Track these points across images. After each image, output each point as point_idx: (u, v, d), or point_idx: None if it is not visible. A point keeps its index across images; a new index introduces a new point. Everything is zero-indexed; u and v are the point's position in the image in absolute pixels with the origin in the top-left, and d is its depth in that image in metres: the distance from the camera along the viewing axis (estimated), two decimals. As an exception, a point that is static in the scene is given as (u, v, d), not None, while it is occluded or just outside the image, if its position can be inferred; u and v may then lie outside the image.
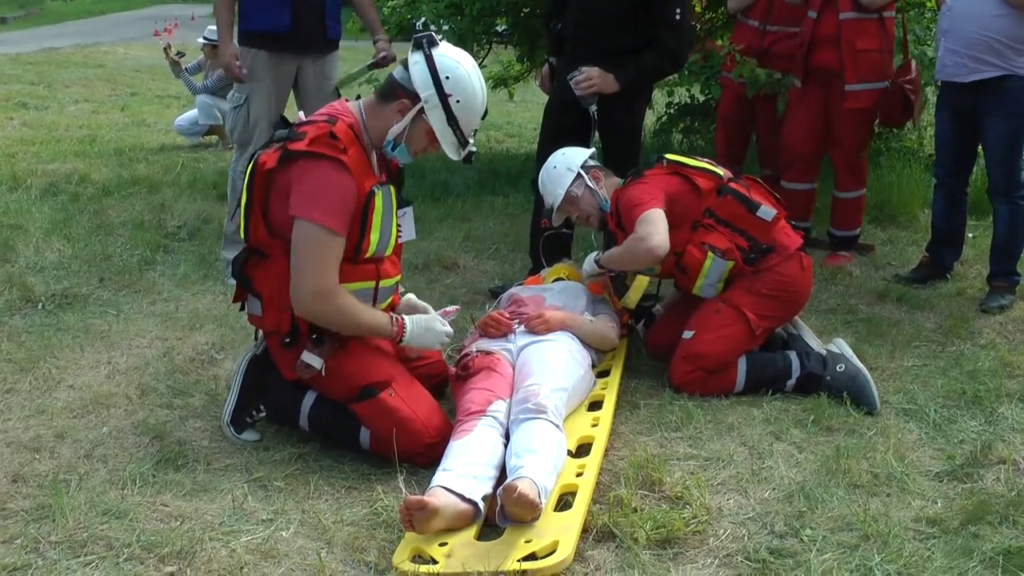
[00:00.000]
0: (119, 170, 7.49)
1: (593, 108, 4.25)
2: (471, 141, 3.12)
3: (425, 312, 3.31)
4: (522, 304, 3.73)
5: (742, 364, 3.60)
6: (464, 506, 2.59)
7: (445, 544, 2.51)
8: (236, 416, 3.17)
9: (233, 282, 3.29)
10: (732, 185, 3.73)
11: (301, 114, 3.20)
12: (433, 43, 3.03)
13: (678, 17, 4.23)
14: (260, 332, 3.23)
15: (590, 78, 4.19)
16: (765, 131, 5.84)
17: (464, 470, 2.70)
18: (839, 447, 3.15)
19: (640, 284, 3.96)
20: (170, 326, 4.17)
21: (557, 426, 2.92)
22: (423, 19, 6.89)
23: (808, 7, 5.29)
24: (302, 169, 2.91)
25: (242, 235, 3.12)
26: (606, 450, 3.10)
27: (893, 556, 2.53)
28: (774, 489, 2.91)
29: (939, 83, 4.92)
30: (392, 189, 3.12)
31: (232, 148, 5.46)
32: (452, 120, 3.04)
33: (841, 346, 3.67)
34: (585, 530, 2.62)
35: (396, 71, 3.09)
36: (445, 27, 6.75)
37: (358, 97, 3.18)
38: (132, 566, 2.46)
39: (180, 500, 2.77)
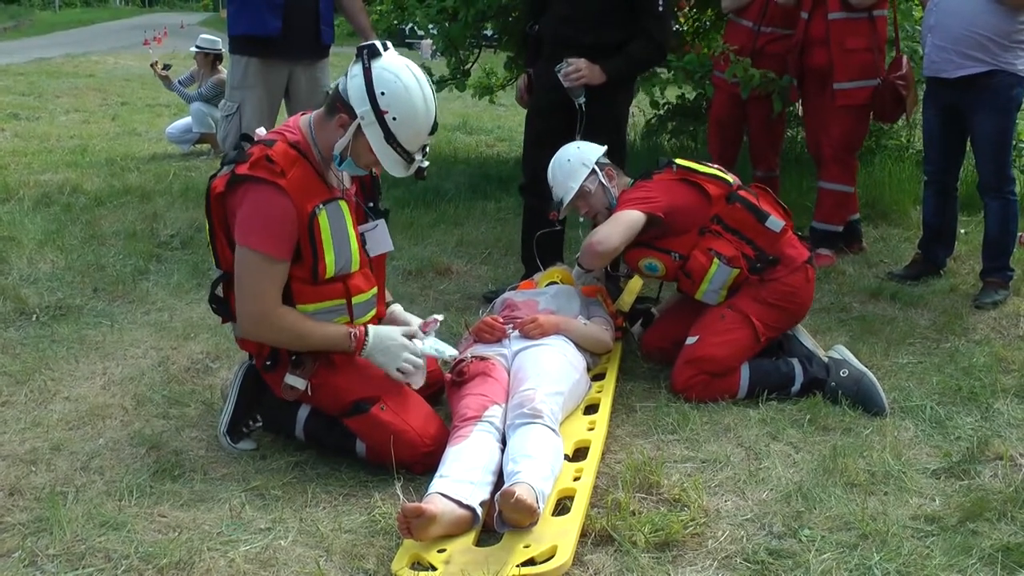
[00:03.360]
0: (111, 180, 7.48)
1: (581, 100, 4.24)
2: (418, 157, 2.97)
3: (407, 325, 3.24)
4: (516, 309, 3.73)
5: (745, 370, 3.59)
6: (462, 512, 2.59)
7: (444, 551, 2.50)
8: (233, 426, 3.16)
9: None
10: (741, 193, 3.72)
11: (261, 131, 3.15)
12: (375, 54, 2.89)
13: (661, 7, 4.26)
14: None
15: (579, 69, 4.18)
16: (757, 132, 5.86)
17: (461, 476, 2.69)
18: (836, 446, 3.16)
19: (634, 287, 3.96)
20: (165, 336, 4.16)
21: (554, 430, 2.92)
22: (410, 25, 6.90)
23: (800, 8, 5.34)
24: (242, 195, 2.88)
25: (213, 260, 3.11)
26: (603, 453, 3.10)
27: (892, 555, 2.53)
28: (772, 490, 2.91)
29: (926, 79, 4.94)
30: (344, 204, 3.00)
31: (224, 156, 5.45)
32: (390, 137, 2.88)
33: (842, 352, 3.67)
34: (583, 534, 2.62)
35: (340, 81, 2.97)
36: (434, 31, 6.75)
37: (303, 113, 3.14)
38: (130, 578, 2.46)
39: (178, 510, 2.76)
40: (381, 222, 3.23)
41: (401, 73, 2.90)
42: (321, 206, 2.92)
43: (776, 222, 3.69)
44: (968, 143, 4.91)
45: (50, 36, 27.04)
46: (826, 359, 3.63)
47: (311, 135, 3.00)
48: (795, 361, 3.63)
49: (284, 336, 2.96)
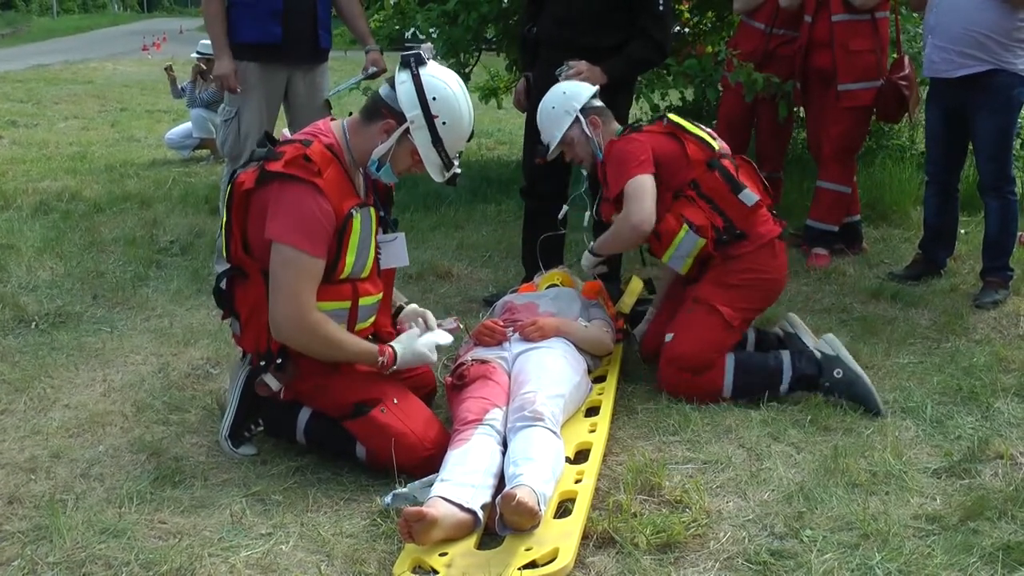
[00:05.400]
0: (110, 186, 7.50)
1: None
2: (455, 163, 3.10)
3: (424, 317, 3.32)
4: (516, 312, 3.72)
5: (729, 363, 3.58)
6: (463, 515, 2.59)
7: (445, 554, 2.50)
8: (234, 430, 3.16)
9: None
10: (723, 161, 3.68)
11: (286, 131, 3.18)
12: (421, 62, 3.00)
13: (661, 7, 4.26)
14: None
15: (580, 71, 4.17)
16: (765, 132, 5.86)
17: (462, 479, 2.69)
18: (837, 446, 3.16)
19: (635, 288, 3.96)
20: (165, 342, 4.16)
21: (555, 433, 2.92)
22: (412, 30, 6.89)
23: (803, 11, 5.34)
24: (277, 191, 2.88)
25: (224, 253, 3.11)
26: (604, 456, 3.09)
27: (893, 554, 2.52)
28: (773, 490, 2.91)
29: (928, 80, 4.95)
30: (373, 211, 3.07)
31: (224, 161, 5.46)
32: (437, 141, 3.01)
33: (833, 343, 3.63)
34: (585, 536, 2.61)
35: (382, 89, 3.06)
36: (434, 35, 6.74)
37: (350, 114, 3.17)
38: (131, 585, 2.45)
39: (178, 517, 2.76)
40: (401, 235, 3.28)
41: (449, 80, 3.04)
42: (357, 209, 2.97)
43: (750, 195, 3.64)
44: (970, 143, 4.91)
45: (48, 42, 27.10)
46: (819, 355, 3.60)
47: (345, 139, 3.04)
48: (785, 355, 3.61)
49: (317, 344, 2.96)
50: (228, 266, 3.10)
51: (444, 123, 2.99)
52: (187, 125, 9.27)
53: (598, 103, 3.92)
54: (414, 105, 2.97)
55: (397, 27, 7.16)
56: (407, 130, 2.99)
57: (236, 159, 4.81)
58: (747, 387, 3.57)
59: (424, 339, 3.19)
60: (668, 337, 3.65)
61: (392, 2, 7.25)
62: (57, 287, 4.86)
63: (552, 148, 3.91)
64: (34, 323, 4.36)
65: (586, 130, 3.83)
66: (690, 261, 3.69)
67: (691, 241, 3.63)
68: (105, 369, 3.87)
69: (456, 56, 7.02)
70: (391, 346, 3.11)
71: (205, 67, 8.95)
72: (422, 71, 2.99)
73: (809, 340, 3.72)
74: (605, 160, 3.77)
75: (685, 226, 3.62)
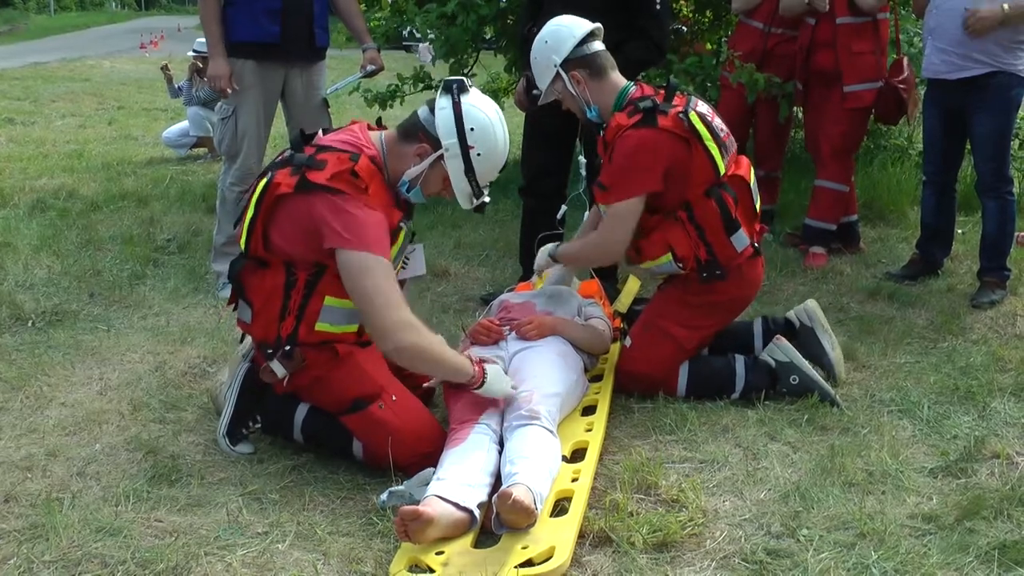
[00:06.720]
0: (107, 184, 7.48)
1: None
2: (485, 192, 3.11)
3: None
4: (513, 310, 3.72)
5: (683, 372, 3.58)
6: (459, 514, 2.59)
7: (442, 553, 2.50)
8: (232, 428, 3.16)
9: (225, 294, 3.24)
10: (723, 193, 3.48)
11: (320, 133, 3.13)
12: (463, 90, 3.01)
13: (659, 6, 4.25)
14: (247, 337, 3.20)
15: None
16: (766, 133, 5.86)
17: (458, 478, 2.69)
18: (833, 446, 3.16)
19: (631, 288, 3.96)
20: (161, 340, 4.16)
21: (551, 432, 2.92)
22: (409, 29, 6.87)
23: (806, 13, 5.35)
24: (330, 204, 2.85)
25: (242, 246, 3.08)
26: (601, 454, 3.09)
27: (890, 553, 2.53)
28: (770, 490, 2.91)
29: (926, 81, 4.95)
30: (409, 226, 3.11)
31: (221, 160, 5.45)
32: (470, 171, 3.02)
33: (787, 352, 3.54)
34: (581, 535, 2.62)
35: (420, 111, 3.06)
36: (431, 36, 6.74)
37: (372, 125, 3.16)
38: (127, 583, 2.45)
39: (175, 515, 2.76)
40: (420, 246, 3.30)
41: (489, 111, 3.04)
42: (403, 223, 3.02)
43: (742, 239, 3.52)
44: (967, 144, 4.91)
45: (46, 40, 27.02)
46: (773, 364, 3.55)
47: (384, 154, 3.05)
48: (739, 363, 3.58)
49: (425, 342, 2.90)
50: (239, 255, 3.10)
51: (479, 154, 3.01)
52: (184, 123, 9.26)
53: (590, 49, 3.59)
54: (451, 133, 2.98)
55: (395, 26, 7.15)
56: (441, 156, 3.01)
57: (233, 158, 4.81)
58: (701, 391, 3.58)
59: (507, 378, 3.12)
60: (627, 341, 3.65)
61: (390, 1, 7.22)
62: (54, 285, 4.86)
63: (542, 97, 3.77)
64: (30, 321, 4.35)
65: (569, 88, 3.62)
66: (663, 277, 3.67)
67: (669, 267, 3.55)
68: (101, 367, 3.87)
69: (455, 57, 7.02)
70: (481, 363, 3.07)
71: (202, 65, 8.91)
72: (463, 99, 3.00)
73: (826, 340, 3.71)
74: (610, 139, 3.49)
75: (669, 255, 3.51)
